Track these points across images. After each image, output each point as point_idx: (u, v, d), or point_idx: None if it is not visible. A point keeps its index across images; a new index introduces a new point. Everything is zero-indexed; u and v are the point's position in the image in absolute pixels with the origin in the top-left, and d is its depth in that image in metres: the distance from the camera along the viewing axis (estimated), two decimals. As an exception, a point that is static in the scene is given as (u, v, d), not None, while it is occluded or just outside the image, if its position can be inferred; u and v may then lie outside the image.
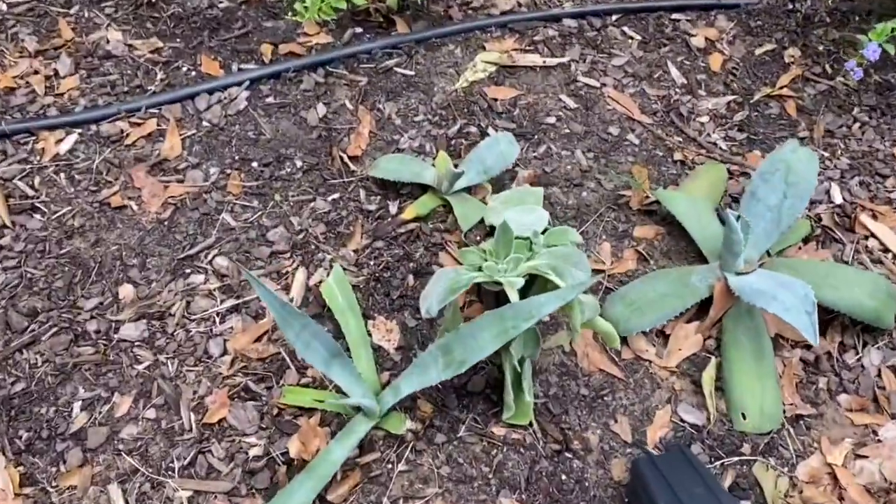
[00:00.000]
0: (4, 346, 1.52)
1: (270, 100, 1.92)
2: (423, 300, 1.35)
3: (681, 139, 1.90)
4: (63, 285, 1.60)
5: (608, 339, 1.47)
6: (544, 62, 2.02)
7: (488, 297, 1.55)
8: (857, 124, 1.95)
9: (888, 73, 2.04)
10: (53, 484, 1.38)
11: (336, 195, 1.76)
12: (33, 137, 1.82)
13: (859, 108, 1.98)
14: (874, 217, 1.77)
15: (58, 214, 1.70)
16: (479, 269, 1.36)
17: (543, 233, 1.43)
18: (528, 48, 2.06)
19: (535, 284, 1.45)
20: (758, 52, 2.09)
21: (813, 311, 1.41)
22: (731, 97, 1.99)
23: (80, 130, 1.84)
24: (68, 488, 1.37)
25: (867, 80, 2.03)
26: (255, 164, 1.80)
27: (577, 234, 1.39)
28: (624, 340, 1.59)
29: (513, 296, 1.32)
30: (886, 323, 1.56)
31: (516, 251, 1.35)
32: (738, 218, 1.50)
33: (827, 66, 2.05)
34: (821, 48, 2.08)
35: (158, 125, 1.86)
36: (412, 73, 1.99)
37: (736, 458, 1.46)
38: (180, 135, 1.84)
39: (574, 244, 1.38)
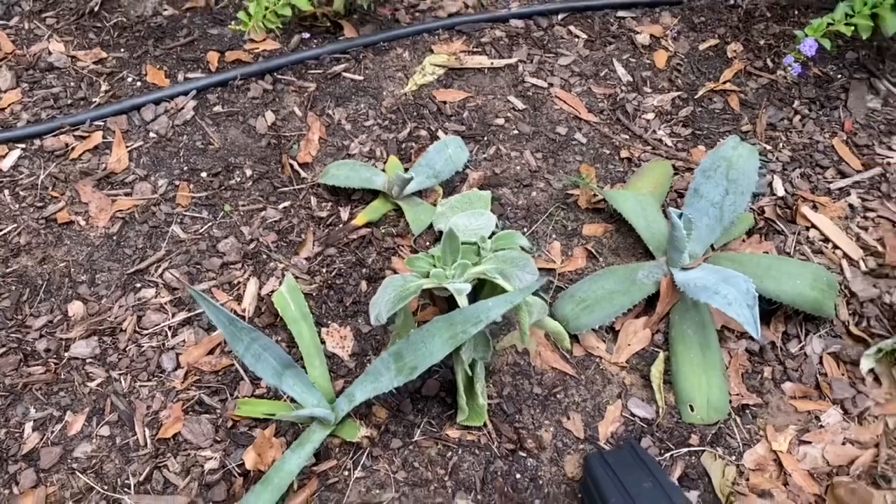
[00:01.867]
0: (-48, 369, 1.50)
1: (218, 108, 1.91)
2: (373, 308, 1.37)
3: (627, 137, 1.94)
4: (10, 304, 1.58)
5: (558, 339, 1.50)
6: (492, 63, 2.04)
7: (440, 300, 1.57)
8: (798, 117, 2.00)
9: (827, 66, 2.10)
10: (7, 500, 1.37)
11: (287, 203, 1.76)
12: (-25, 153, 1.80)
13: (799, 100, 2.03)
14: (814, 208, 1.82)
15: (3, 232, 1.68)
16: (427, 275, 1.38)
17: (491, 237, 1.45)
18: (475, 50, 2.07)
19: (484, 287, 1.48)
20: (701, 47, 2.13)
21: (754, 305, 1.45)
22: (675, 93, 2.03)
23: (23, 145, 1.82)
24: (22, 510, 1.36)
25: (807, 73, 2.08)
26: (203, 175, 1.79)
27: (523, 237, 1.41)
28: (575, 338, 1.62)
29: (461, 301, 1.34)
30: (827, 312, 1.61)
31: (464, 256, 1.37)
32: (680, 216, 1.53)
33: (768, 61, 2.10)
34: (762, 42, 2.12)
35: (104, 137, 1.84)
36: (361, 77, 1.99)
37: (685, 450, 1.50)
38: (127, 147, 1.83)
39: (521, 248, 1.40)
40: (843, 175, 1.89)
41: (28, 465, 1.41)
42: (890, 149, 1.95)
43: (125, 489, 1.39)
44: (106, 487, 1.39)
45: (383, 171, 1.78)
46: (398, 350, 1.36)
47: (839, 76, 2.08)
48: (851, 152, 1.93)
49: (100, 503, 1.37)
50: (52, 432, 1.44)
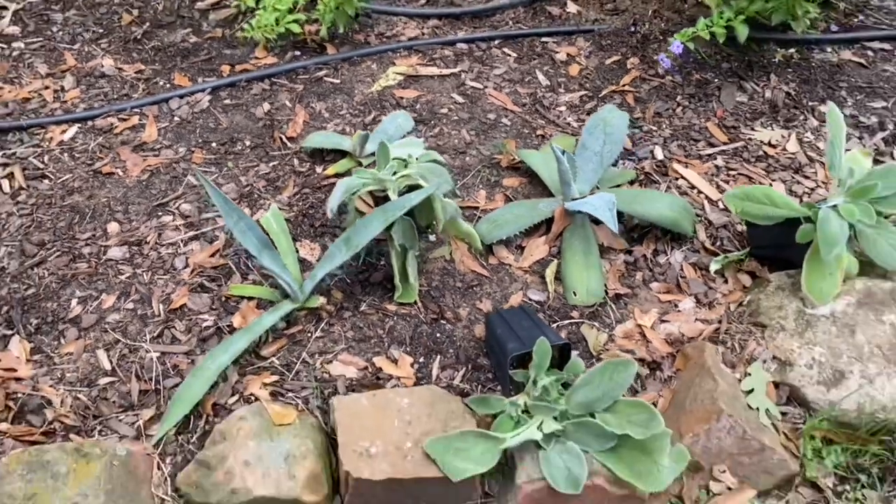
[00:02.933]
0: (20, 265, 2.01)
1: (227, 101, 2.50)
2: (328, 203, 1.88)
3: (543, 122, 2.49)
4: (65, 224, 2.11)
5: (471, 240, 2.00)
6: (441, 72, 2.62)
7: (381, 200, 2.07)
8: (680, 108, 2.54)
9: (707, 73, 2.66)
10: (55, 352, 1.85)
11: (275, 162, 2.30)
12: (44, 130, 2.38)
13: (682, 96, 2.58)
14: (686, 166, 2.33)
15: (61, 179, 2.23)
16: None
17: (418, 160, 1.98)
18: (428, 63, 2.66)
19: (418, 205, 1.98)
20: (607, 62, 2.71)
21: (613, 209, 1.94)
22: (583, 93, 2.59)
23: (79, 125, 2.40)
24: (66, 354, 1.84)
25: (690, 78, 2.64)
26: (213, 144, 2.35)
27: (440, 156, 1.94)
28: (490, 251, 2.11)
29: (392, 196, 1.86)
30: (684, 229, 2.09)
31: (396, 168, 1.90)
32: (563, 152, 2.05)
33: (659, 70, 2.67)
34: (655, 57, 2.70)
35: (140, 120, 2.42)
36: (338, 81, 2.58)
37: (567, 321, 1.95)
38: (157, 126, 2.40)
39: (438, 163, 1.92)
40: (712, 146, 2.41)
41: (72, 326, 1.89)
42: (753, 129, 2.47)
43: (143, 341, 1.86)
44: (129, 340, 1.86)
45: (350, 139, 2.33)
46: (347, 235, 1.87)
47: (716, 80, 2.63)
48: (721, 131, 2.46)
49: (123, 350, 1.85)
50: (91, 306, 1.93)
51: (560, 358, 1.77)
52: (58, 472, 1.54)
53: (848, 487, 1.77)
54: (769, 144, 2.42)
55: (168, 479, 1.65)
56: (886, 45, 2.82)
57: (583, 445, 1.60)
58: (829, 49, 2.80)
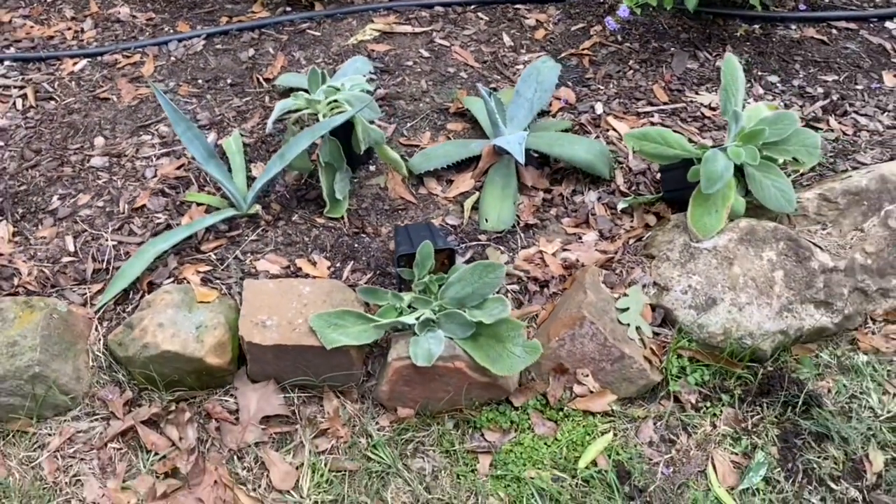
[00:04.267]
0: (18, 167, 2.35)
1: (219, 47, 2.80)
2: (268, 120, 2.15)
3: (499, 77, 2.69)
4: (60, 137, 2.45)
5: (397, 166, 2.23)
6: (413, 30, 2.86)
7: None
8: (631, 71, 2.70)
9: (664, 42, 2.80)
10: (32, 236, 2.17)
11: (248, 98, 2.59)
12: (59, 61, 2.74)
13: (635, 61, 2.73)
14: (620, 120, 2.49)
15: (65, 102, 2.58)
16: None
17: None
18: (404, 22, 2.90)
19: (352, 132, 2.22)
20: (572, 28, 2.89)
21: (522, 143, 2.12)
22: (542, 54, 2.77)
23: (89, 59, 2.75)
24: (41, 238, 2.16)
25: (647, 46, 2.79)
26: (199, 81, 2.66)
27: (368, 85, 2.18)
28: (421, 182, 2.33)
29: (321, 117, 2.11)
30: (600, 171, 2.26)
31: (327, 94, 2.14)
32: (490, 94, 2.25)
33: (619, 37, 2.83)
34: (618, 27, 2.86)
35: (141, 58, 2.75)
36: (319, 34, 2.85)
37: (474, 243, 2.15)
38: (155, 64, 2.73)
39: (365, 91, 2.16)
40: (652, 105, 2.56)
41: (50, 216, 2.21)
42: (696, 94, 2.61)
43: (105, 230, 2.16)
44: (93, 230, 2.17)
45: (317, 83, 2.59)
46: (282, 151, 2.12)
47: (672, 49, 2.78)
48: (664, 93, 2.60)
49: (87, 238, 2.16)
50: (69, 202, 2.25)
51: (449, 264, 1.97)
52: (6, 317, 1.85)
53: (709, 404, 1.91)
54: (708, 107, 2.55)
55: (102, 338, 1.95)
56: (852, 25, 2.89)
57: (449, 333, 1.80)
58: (793, 27, 2.90)
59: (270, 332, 1.82)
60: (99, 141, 2.43)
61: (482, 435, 1.84)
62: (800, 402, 1.87)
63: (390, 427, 1.86)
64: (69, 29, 2.90)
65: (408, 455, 1.82)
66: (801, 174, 2.28)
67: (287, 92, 2.59)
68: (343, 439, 1.83)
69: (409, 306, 1.87)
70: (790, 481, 1.78)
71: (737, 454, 1.83)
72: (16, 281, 2.04)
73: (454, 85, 2.65)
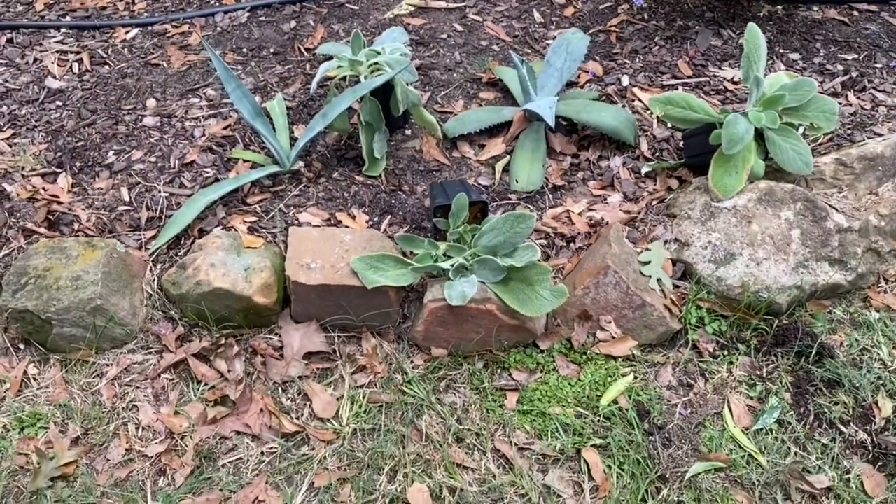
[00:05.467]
0: (76, 125, 2.50)
1: (262, 18, 2.94)
2: (313, 81, 2.27)
3: (529, 51, 2.80)
4: (115, 98, 2.60)
5: (431, 128, 2.35)
6: (448, 5, 2.98)
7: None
8: (657, 47, 2.80)
9: (690, 20, 2.90)
10: (90, 186, 2.32)
11: (290, 66, 2.72)
12: (112, 30, 2.89)
13: (661, 38, 2.84)
14: (643, 90, 2.59)
15: (118, 66, 2.73)
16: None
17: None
18: (439, -2, 3.03)
19: (392, 94, 2.35)
20: (601, 7, 3.00)
21: (553, 108, 2.24)
22: (572, 30, 2.88)
23: (140, 28, 2.90)
24: (98, 189, 2.30)
25: (673, 24, 2.89)
26: (244, 49, 2.80)
27: (407, 50, 2.30)
28: (455, 146, 2.45)
29: (362, 79, 2.23)
30: (626, 137, 2.37)
31: (368, 57, 2.27)
32: (522, 62, 2.37)
33: (646, 15, 2.93)
34: (645, 4, 2.96)
35: (189, 28, 2.90)
36: (357, 8, 2.98)
37: (506, 202, 2.27)
38: (202, 34, 2.87)
39: (404, 55, 2.28)
40: (677, 78, 2.66)
41: (106, 170, 2.36)
42: (720, 69, 2.71)
43: (158, 182, 2.31)
44: (147, 183, 2.31)
45: (356, 53, 2.72)
46: (325, 111, 2.25)
47: (696, 27, 2.88)
48: (688, 67, 2.70)
49: (141, 189, 2.30)
50: (123, 157, 2.40)
51: (482, 217, 2.09)
52: (70, 254, 2.00)
53: (726, 353, 2.01)
54: (731, 81, 2.65)
55: (156, 279, 2.08)
56: (873, 7, 2.97)
57: (482, 278, 1.92)
58: (815, 8, 2.99)
59: (315, 273, 1.94)
60: (150, 102, 2.58)
61: (510, 374, 1.96)
62: (813, 353, 1.97)
63: (424, 365, 1.98)
64: (121, 0, 3.05)
65: (440, 391, 1.94)
66: (820, 142, 2.38)
67: (326, 60, 2.71)
68: (380, 375, 1.95)
69: (445, 254, 1.99)
70: (802, 423, 1.88)
71: (752, 398, 1.93)
72: (76, 226, 2.19)
73: (486, 57, 2.77)
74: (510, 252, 1.94)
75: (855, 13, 2.97)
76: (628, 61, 2.75)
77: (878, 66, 2.72)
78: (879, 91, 2.61)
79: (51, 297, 1.92)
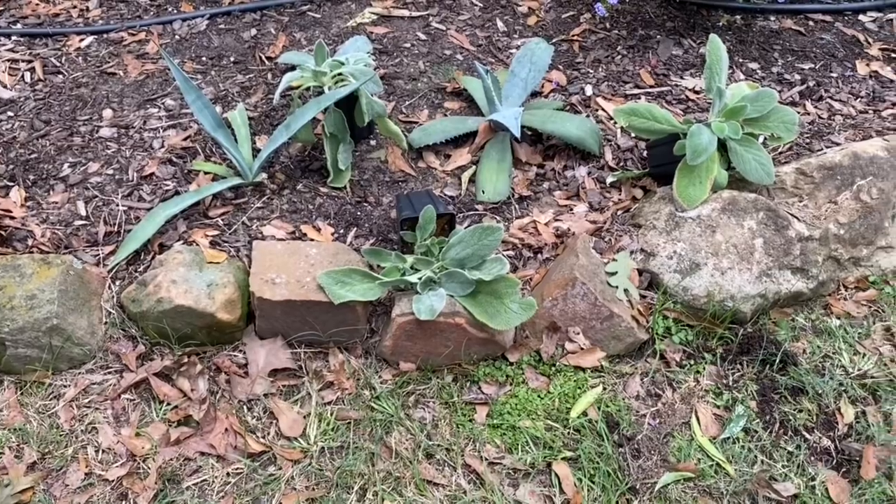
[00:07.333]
0: (28, 136, 2.42)
1: (221, 26, 2.89)
2: (276, 92, 2.23)
3: (493, 60, 2.80)
4: (69, 109, 2.52)
5: (397, 139, 2.33)
6: (411, 14, 2.97)
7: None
8: (619, 56, 2.82)
9: (651, 30, 2.93)
10: (44, 200, 2.24)
11: (252, 75, 2.68)
12: (66, 38, 2.81)
13: (623, 47, 2.86)
14: (607, 100, 2.61)
15: (73, 76, 2.65)
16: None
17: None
18: (402, 6, 3.01)
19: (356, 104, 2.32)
20: (563, 16, 3.01)
21: (518, 118, 2.24)
22: (535, 40, 2.89)
23: (95, 36, 2.82)
24: (52, 203, 2.23)
25: (634, 33, 2.92)
26: (203, 58, 2.74)
27: (371, 60, 2.28)
28: (420, 156, 2.43)
29: (326, 89, 2.20)
30: (590, 147, 2.37)
31: (332, 68, 2.24)
32: (487, 72, 2.36)
33: (608, 24, 2.95)
34: (606, 14, 2.98)
35: (146, 36, 2.83)
36: (319, 16, 2.95)
37: (471, 213, 2.26)
38: (159, 42, 2.81)
39: (368, 65, 2.26)
40: (639, 87, 2.68)
41: (61, 183, 2.29)
42: (681, 78, 2.74)
43: (115, 196, 2.24)
44: (104, 196, 2.25)
45: (319, 62, 2.68)
46: (288, 121, 2.21)
47: (658, 36, 2.91)
48: (651, 77, 2.73)
49: (98, 203, 2.23)
50: (79, 169, 2.33)
51: (449, 229, 2.07)
52: (24, 272, 1.93)
53: (692, 362, 2.03)
54: (693, 90, 2.68)
55: (115, 296, 2.03)
56: (828, 17, 3.04)
57: (450, 291, 1.91)
58: (773, 18, 3.04)
59: (280, 288, 1.91)
60: (107, 113, 2.51)
61: (479, 388, 1.95)
62: (777, 361, 2.00)
63: (392, 380, 1.96)
64: (74, 7, 2.97)
65: (409, 406, 1.92)
66: (780, 152, 2.41)
67: (289, 70, 2.68)
68: (348, 391, 1.92)
69: (412, 267, 1.97)
70: (768, 431, 1.90)
71: (718, 407, 1.95)
72: (30, 242, 2.12)
73: (450, 66, 2.76)
74: (478, 265, 1.93)
75: (810, 23, 3.03)
76: (591, 71, 2.76)
77: (834, 75, 2.78)
78: (835, 100, 2.66)
79: (4, 317, 1.86)
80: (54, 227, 2.16)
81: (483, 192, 2.30)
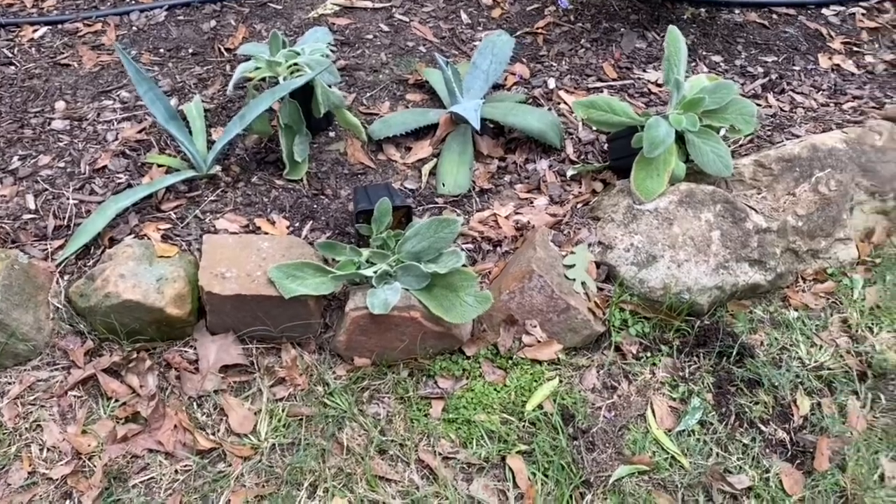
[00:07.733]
0: (-24, 128, 2.37)
1: (181, 18, 2.84)
2: (229, 84, 2.19)
3: (456, 52, 2.77)
4: (20, 100, 2.46)
5: (356, 130, 2.30)
6: (374, 6, 2.93)
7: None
8: (583, 49, 2.81)
9: (615, 23, 2.92)
10: (-8, 194, 2.19)
11: (210, 67, 2.63)
12: (19, 28, 2.75)
13: (587, 40, 2.84)
14: (569, 93, 2.59)
15: (25, 67, 2.59)
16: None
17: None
18: (365, -2, 2.98)
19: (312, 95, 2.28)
20: (527, 8, 2.99)
21: (478, 110, 2.21)
22: (499, 32, 2.86)
23: (50, 27, 2.76)
24: (1, 196, 2.18)
25: (598, 26, 2.90)
26: (161, 50, 2.69)
27: (328, 51, 2.24)
28: (381, 148, 2.40)
29: (281, 80, 2.17)
30: (551, 140, 2.36)
31: (287, 58, 2.20)
32: (447, 64, 2.34)
33: (572, 17, 2.94)
34: (571, 6, 2.97)
35: (102, 27, 2.78)
36: (280, 7, 2.91)
37: (431, 206, 2.24)
38: (116, 33, 2.75)
39: (325, 56, 2.22)
40: (602, 81, 2.67)
41: (10, 176, 2.23)
42: (644, 71, 2.73)
43: (66, 189, 2.19)
44: (55, 190, 2.20)
45: (279, 53, 2.64)
46: (242, 113, 2.18)
47: (622, 29, 2.89)
48: (614, 70, 2.71)
49: (48, 197, 2.18)
50: (29, 162, 2.27)
51: (406, 222, 2.05)
52: (-33, 266, 1.88)
53: (649, 354, 2.02)
54: (655, 84, 2.67)
55: (63, 291, 1.98)
56: (791, 11, 3.04)
57: (405, 285, 1.88)
58: (737, 11, 3.04)
59: (230, 282, 1.87)
60: (60, 105, 2.46)
61: (435, 382, 1.93)
62: (734, 353, 1.99)
63: (347, 376, 1.93)
64: (29, -3, 2.91)
65: (363, 402, 1.89)
66: (741, 144, 2.41)
67: (247, 60, 2.63)
68: (300, 387, 1.89)
69: (367, 261, 1.94)
70: (723, 424, 1.89)
71: (674, 400, 1.94)
72: (-25, 236, 2.07)
73: (413, 58, 2.73)
74: (435, 258, 1.91)
75: (774, 16, 3.03)
76: (555, 63, 2.74)
77: (797, 68, 2.78)
78: (797, 93, 2.67)
79: (-55, 312, 1.81)
80: (1, 221, 2.11)
81: (443, 185, 2.27)
